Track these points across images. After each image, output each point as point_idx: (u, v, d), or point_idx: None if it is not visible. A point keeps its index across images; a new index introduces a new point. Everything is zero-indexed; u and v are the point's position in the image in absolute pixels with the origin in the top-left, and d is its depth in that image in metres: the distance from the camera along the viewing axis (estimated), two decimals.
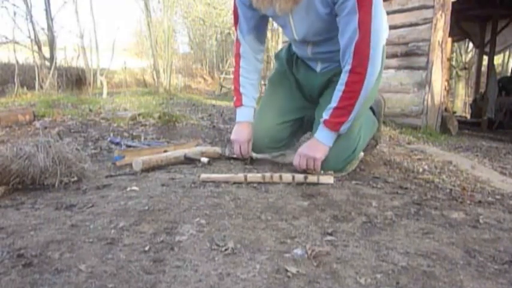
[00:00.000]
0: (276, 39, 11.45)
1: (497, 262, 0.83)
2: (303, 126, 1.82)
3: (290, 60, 1.76)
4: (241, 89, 1.67)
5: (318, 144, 1.48)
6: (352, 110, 1.41)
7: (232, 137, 1.68)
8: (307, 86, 1.72)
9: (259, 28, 1.63)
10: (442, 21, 3.92)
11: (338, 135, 1.48)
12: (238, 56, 1.69)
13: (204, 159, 1.65)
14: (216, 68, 17.42)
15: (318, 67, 1.66)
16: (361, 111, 1.47)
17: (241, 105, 1.67)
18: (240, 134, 1.66)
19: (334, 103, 1.43)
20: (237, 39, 1.67)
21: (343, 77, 1.41)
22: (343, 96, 1.41)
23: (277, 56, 1.86)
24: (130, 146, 1.95)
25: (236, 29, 1.66)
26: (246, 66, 1.68)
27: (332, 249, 0.85)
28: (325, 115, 1.46)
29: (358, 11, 1.31)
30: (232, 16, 1.66)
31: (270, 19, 1.67)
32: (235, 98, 1.71)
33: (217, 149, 1.83)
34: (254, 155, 1.74)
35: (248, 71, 1.68)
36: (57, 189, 1.25)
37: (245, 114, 1.68)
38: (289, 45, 1.77)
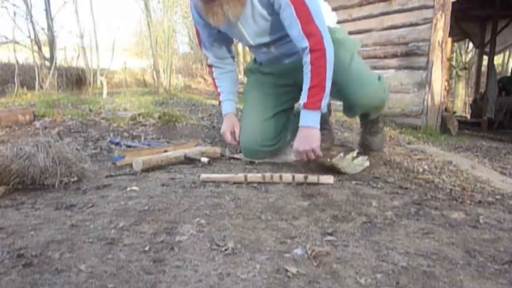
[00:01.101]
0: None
1: (497, 262, 0.83)
2: (292, 121, 1.84)
3: (258, 67, 1.88)
4: (218, 89, 1.89)
5: (307, 130, 1.50)
6: (325, 85, 1.47)
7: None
8: (288, 74, 1.77)
9: (221, 41, 1.80)
10: (442, 21, 3.92)
11: (322, 113, 1.51)
12: (210, 67, 1.91)
13: (204, 159, 1.65)
14: None
15: (286, 60, 1.74)
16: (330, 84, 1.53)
17: (221, 101, 1.89)
18: (223, 125, 1.86)
19: (306, 85, 1.49)
20: (204, 54, 1.88)
21: (306, 59, 1.49)
22: (312, 74, 1.48)
23: (246, 71, 2.03)
24: (130, 146, 1.95)
25: (201, 47, 1.88)
26: (219, 71, 1.87)
27: (332, 249, 0.85)
28: (302, 100, 1.50)
29: (291, 3, 1.44)
30: (196, 36, 1.89)
31: None
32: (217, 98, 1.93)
33: (217, 149, 1.84)
34: (256, 161, 1.75)
35: (221, 73, 1.88)
36: (57, 189, 1.25)
37: (225, 108, 1.88)
38: (254, 59, 1.94)
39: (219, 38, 1.77)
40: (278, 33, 1.60)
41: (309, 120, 1.50)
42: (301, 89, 1.53)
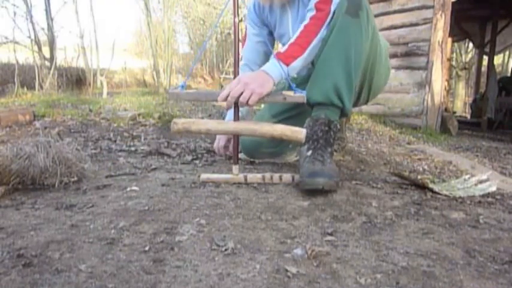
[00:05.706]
0: None
1: (497, 262, 0.83)
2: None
3: None
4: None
5: (263, 75, 1.31)
6: (308, 47, 1.36)
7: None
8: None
9: (263, 47, 1.73)
10: (442, 21, 3.92)
11: (287, 76, 1.37)
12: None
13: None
14: (216, 68, 17.39)
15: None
16: (315, 53, 1.40)
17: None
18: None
19: (291, 40, 1.40)
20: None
21: (307, 16, 1.41)
22: (302, 33, 1.38)
23: None
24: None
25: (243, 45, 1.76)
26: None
27: (332, 249, 0.85)
28: (281, 50, 1.41)
29: None
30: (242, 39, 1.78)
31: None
32: None
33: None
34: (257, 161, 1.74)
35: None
36: (57, 189, 1.25)
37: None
38: None
39: (263, 45, 1.72)
40: None
41: (272, 69, 1.33)
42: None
